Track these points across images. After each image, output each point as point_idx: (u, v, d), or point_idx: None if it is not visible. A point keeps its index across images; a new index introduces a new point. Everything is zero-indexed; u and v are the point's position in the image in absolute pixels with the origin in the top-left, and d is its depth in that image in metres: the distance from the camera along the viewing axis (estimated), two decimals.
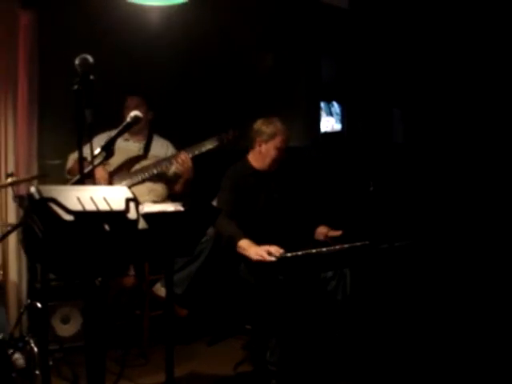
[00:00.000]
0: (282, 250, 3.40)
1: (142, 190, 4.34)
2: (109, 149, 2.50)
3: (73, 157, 4.30)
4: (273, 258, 3.34)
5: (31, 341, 3.46)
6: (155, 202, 4.36)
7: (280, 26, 5.56)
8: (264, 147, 3.87)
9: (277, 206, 3.94)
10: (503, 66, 4.67)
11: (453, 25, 4.92)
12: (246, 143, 4.03)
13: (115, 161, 4.31)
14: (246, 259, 3.53)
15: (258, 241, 3.54)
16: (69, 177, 4.29)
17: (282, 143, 3.85)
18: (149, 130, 4.58)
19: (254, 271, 3.52)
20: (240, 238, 3.59)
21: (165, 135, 4.66)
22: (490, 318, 4.21)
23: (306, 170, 5.05)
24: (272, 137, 3.84)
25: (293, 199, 4.02)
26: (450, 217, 4.78)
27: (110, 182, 4.29)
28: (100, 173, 4.22)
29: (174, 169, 4.43)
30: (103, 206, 2.05)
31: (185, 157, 4.29)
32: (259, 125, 3.89)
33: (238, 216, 3.76)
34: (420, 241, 3.95)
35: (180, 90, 5.15)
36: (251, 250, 3.48)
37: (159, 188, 4.46)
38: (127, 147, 4.47)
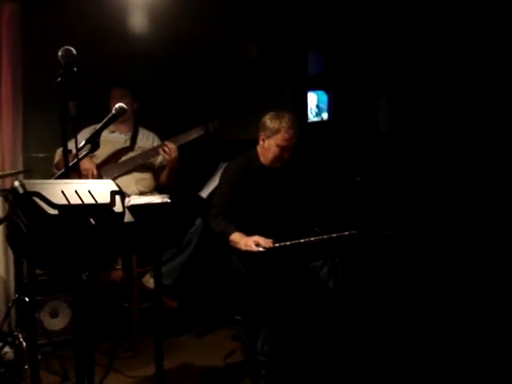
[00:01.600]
0: (271, 242, 3.40)
1: (130, 181, 4.35)
2: (94, 141, 2.49)
3: (60, 151, 4.28)
4: (261, 249, 3.34)
5: (20, 335, 3.45)
6: (143, 192, 4.37)
7: (266, 15, 5.54)
8: (267, 143, 3.75)
9: (281, 201, 3.87)
10: (489, 55, 4.67)
11: (439, 14, 4.92)
12: (233, 135, 4.01)
13: (102, 153, 4.31)
14: (237, 251, 3.54)
15: (260, 235, 3.51)
16: (56, 171, 4.27)
17: (284, 141, 3.69)
18: (134, 120, 4.57)
19: (244, 262, 3.53)
20: (231, 233, 3.59)
21: (151, 126, 4.65)
22: (476, 305, 4.23)
23: (298, 161, 5.05)
24: (274, 133, 3.70)
25: (296, 194, 3.94)
26: (437, 205, 4.79)
27: (98, 174, 4.29)
28: (87, 165, 4.22)
29: (160, 159, 4.44)
30: (88, 200, 2.04)
31: (171, 146, 4.31)
32: (266, 118, 3.75)
33: (237, 211, 3.72)
34: (407, 229, 3.96)
35: (166, 81, 5.14)
36: (241, 241, 3.49)
37: (147, 178, 4.46)
38: (113, 139, 4.47)
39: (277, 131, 3.70)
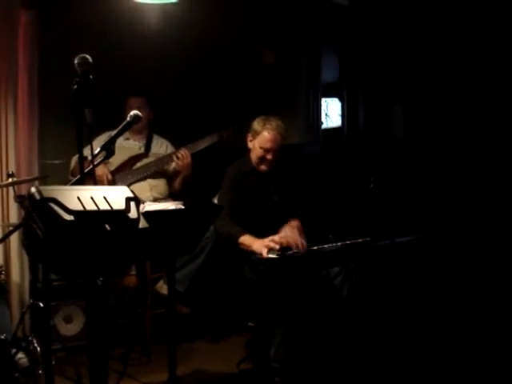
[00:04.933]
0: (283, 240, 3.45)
1: (144, 187, 4.37)
2: (109, 148, 2.51)
3: (75, 158, 4.31)
4: (273, 256, 3.34)
5: (34, 340, 3.47)
6: (157, 198, 4.39)
7: (281, 22, 5.56)
8: (252, 143, 3.87)
9: (276, 207, 3.91)
10: (503, 62, 4.66)
11: (453, 21, 4.91)
12: (246, 140, 4.03)
13: (117, 160, 4.33)
14: (248, 258, 3.54)
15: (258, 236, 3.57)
16: (72, 178, 4.30)
17: (266, 143, 3.77)
18: (149, 129, 4.60)
19: (256, 269, 3.53)
20: (240, 235, 3.60)
21: (164, 133, 4.67)
22: (490, 314, 4.20)
23: (307, 166, 5.05)
24: (257, 133, 3.80)
25: (292, 200, 3.96)
26: (451, 213, 4.77)
27: (112, 180, 4.31)
28: (101, 170, 4.24)
29: (173, 165, 4.46)
30: (104, 206, 2.06)
31: (184, 152, 4.34)
32: (255, 120, 3.86)
33: (238, 215, 3.75)
34: (421, 237, 3.95)
35: (180, 87, 5.15)
36: (254, 244, 3.51)
37: (161, 185, 4.48)
38: (128, 146, 4.49)
39: (259, 132, 3.79)
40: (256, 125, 3.83)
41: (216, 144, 4.44)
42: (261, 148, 3.80)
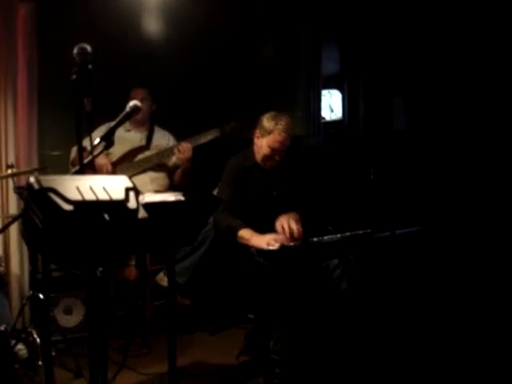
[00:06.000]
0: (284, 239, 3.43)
1: (145, 180, 4.37)
2: (108, 139, 2.49)
3: (75, 148, 4.30)
4: (272, 247, 3.34)
5: (34, 332, 3.47)
6: (157, 191, 4.37)
7: (281, 14, 5.55)
8: (260, 141, 3.77)
9: (275, 202, 3.87)
10: (505, 54, 4.65)
11: (454, 13, 4.90)
12: (247, 134, 4.01)
13: (118, 151, 4.33)
14: (247, 251, 3.53)
15: (257, 230, 3.56)
16: (72, 168, 4.30)
17: (275, 143, 3.69)
18: (151, 120, 4.59)
19: (254, 261, 3.52)
20: (240, 228, 3.59)
21: (165, 126, 4.66)
22: (490, 307, 4.20)
23: (308, 158, 5.04)
24: (268, 133, 3.70)
25: (292, 193, 3.92)
26: (451, 204, 4.77)
27: (113, 171, 4.30)
28: (102, 160, 4.24)
29: (174, 159, 4.44)
30: (103, 196, 2.05)
31: (186, 146, 4.30)
32: (264, 117, 3.75)
33: (237, 208, 3.74)
34: (422, 228, 3.95)
35: (179, 79, 5.14)
36: (252, 238, 3.50)
37: (162, 178, 4.47)
38: (129, 137, 4.49)
39: (270, 132, 3.70)
40: (266, 122, 3.72)
41: (217, 138, 4.42)
42: (269, 147, 3.72)
